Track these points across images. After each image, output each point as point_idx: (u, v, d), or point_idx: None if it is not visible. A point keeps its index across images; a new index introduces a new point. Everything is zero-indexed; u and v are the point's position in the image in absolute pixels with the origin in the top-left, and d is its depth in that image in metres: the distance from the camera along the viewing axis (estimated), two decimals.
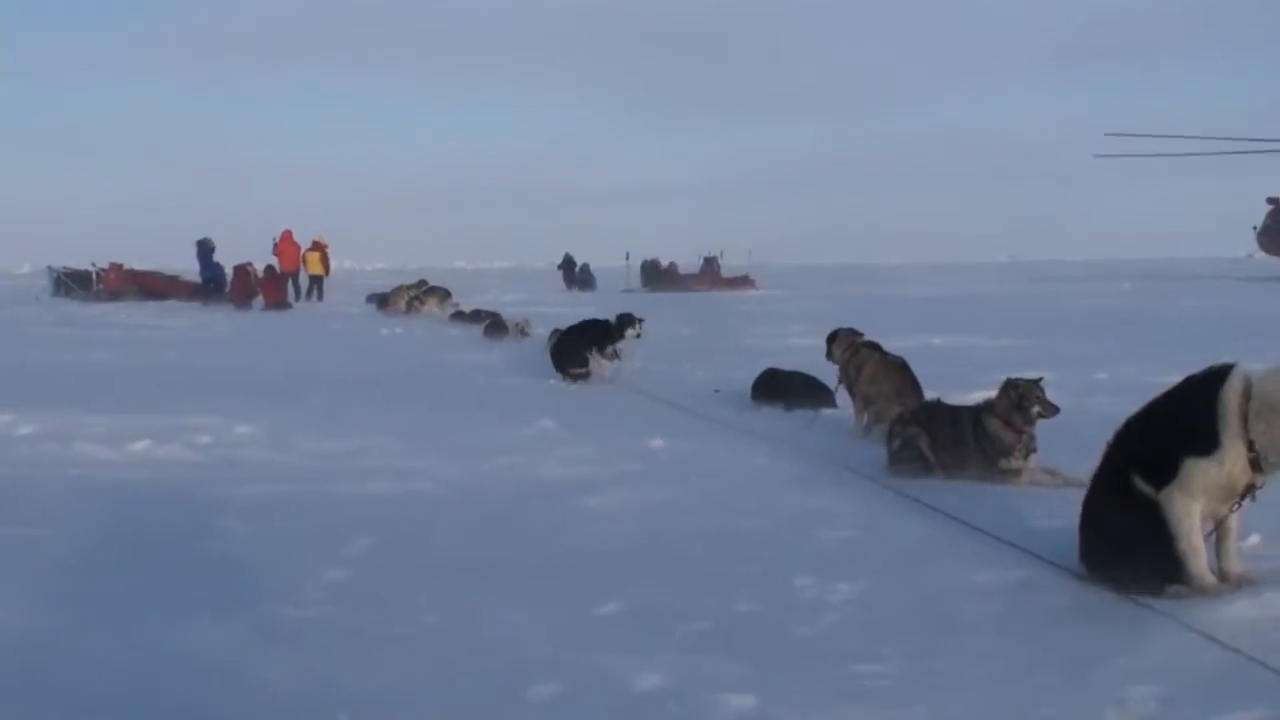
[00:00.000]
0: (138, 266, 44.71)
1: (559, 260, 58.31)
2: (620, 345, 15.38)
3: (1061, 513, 6.32)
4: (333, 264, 43.42)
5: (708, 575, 6.00)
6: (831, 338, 11.48)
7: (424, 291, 33.14)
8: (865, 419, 10.47)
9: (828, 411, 11.44)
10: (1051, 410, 8.15)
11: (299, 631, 5.24)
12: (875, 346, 11.10)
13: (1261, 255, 60.76)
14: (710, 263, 55.32)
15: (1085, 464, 6.01)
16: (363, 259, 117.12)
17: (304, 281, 41.56)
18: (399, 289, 34.34)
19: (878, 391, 10.49)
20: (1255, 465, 5.32)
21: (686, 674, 4.67)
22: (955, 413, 8.57)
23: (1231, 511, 5.50)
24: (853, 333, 11.44)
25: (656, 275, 53.79)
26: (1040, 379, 8.34)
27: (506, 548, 6.65)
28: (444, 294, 32.90)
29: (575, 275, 56.04)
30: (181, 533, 7.03)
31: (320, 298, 41.00)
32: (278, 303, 37.02)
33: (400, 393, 14.02)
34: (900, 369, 10.70)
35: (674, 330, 24.30)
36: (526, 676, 4.65)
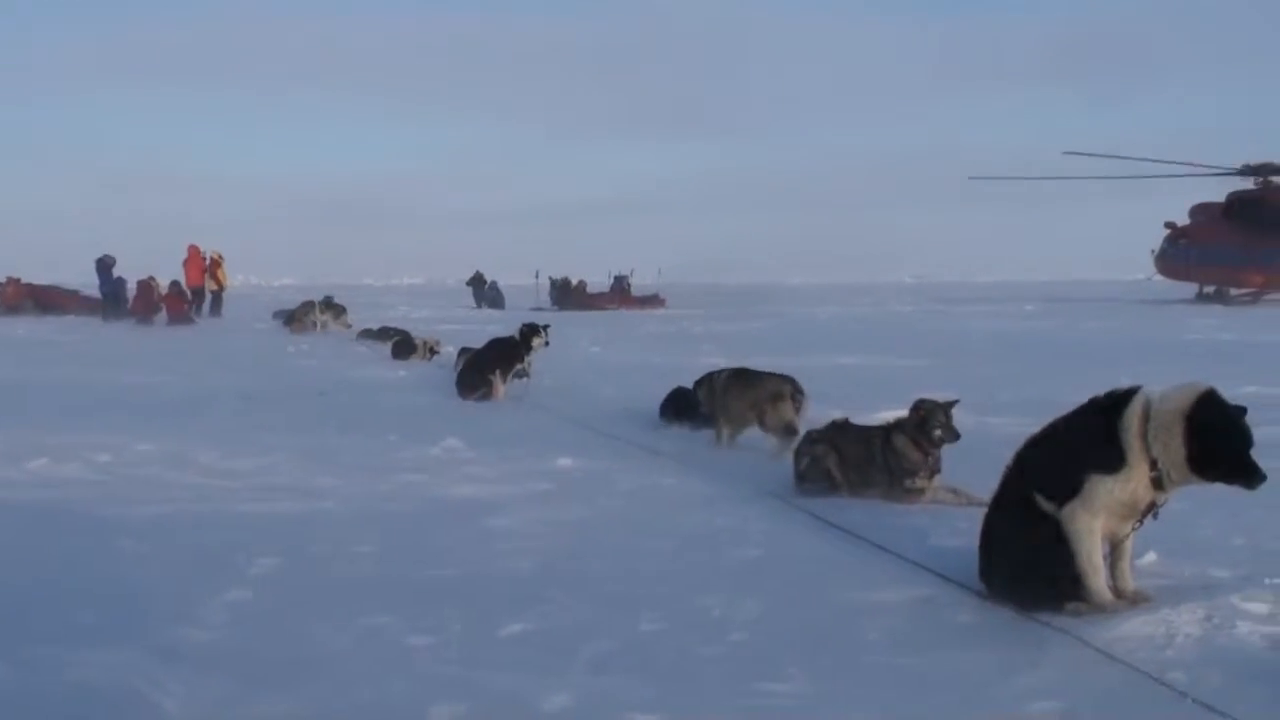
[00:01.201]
0: (35, 281, 43.75)
1: (468, 277, 58.06)
2: (530, 360, 15.37)
3: (964, 531, 6.40)
4: (232, 279, 42.87)
5: (614, 595, 5.99)
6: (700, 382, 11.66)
7: (318, 308, 32.78)
8: (725, 433, 10.97)
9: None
10: (952, 435, 8.21)
11: (198, 655, 5.14)
12: (742, 372, 11.32)
13: (1159, 278, 62.14)
14: (620, 281, 55.41)
15: (987, 483, 6.08)
16: (270, 275, 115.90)
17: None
18: (305, 305, 33.92)
19: (727, 407, 10.94)
20: (1157, 484, 5.43)
21: (592, 694, 4.65)
22: (864, 432, 8.64)
23: (1134, 530, 5.60)
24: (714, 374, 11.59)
25: (566, 293, 53.75)
26: (954, 402, 8.43)
27: (411, 568, 6.58)
28: (338, 310, 32.62)
29: (485, 292, 55.83)
30: (78, 553, 6.87)
31: (219, 313, 40.40)
32: (181, 318, 36.43)
33: (305, 411, 13.85)
34: (749, 384, 10.94)
35: (583, 348, 24.31)
36: (430, 697, 4.60)
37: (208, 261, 40.64)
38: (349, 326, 30.87)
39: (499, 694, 4.66)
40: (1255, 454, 5.34)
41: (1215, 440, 5.31)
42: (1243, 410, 5.42)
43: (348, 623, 5.54)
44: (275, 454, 10.23)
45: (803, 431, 9.37)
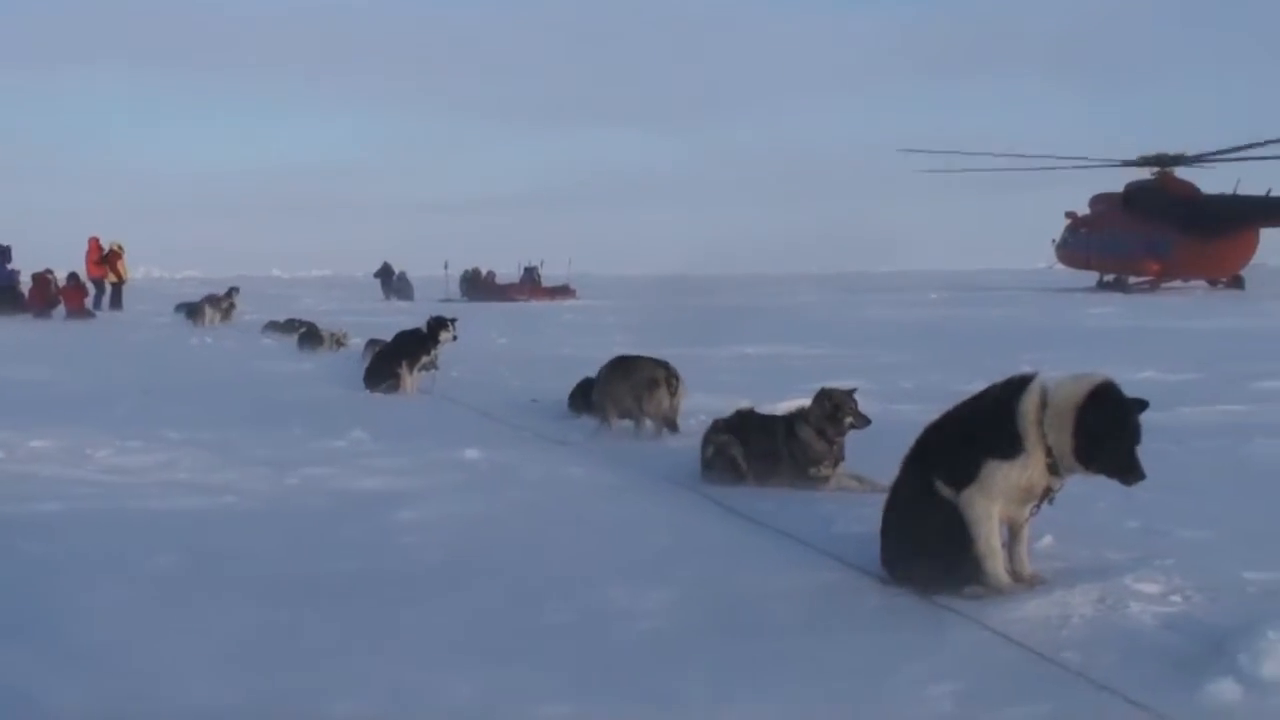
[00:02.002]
0: None
1: (376, 269, 57.57)
2: (437, 352, 15.29)
3: (867, 518, 6.47)
4: (133, 271, 42.05)
5: (521, 586, 5.98)
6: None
7: (207, 300, 32.23)
8: (612, 420, 11.16)
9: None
10: (864, 422, 8.36)
11: (93, 654, 5.05)
12: (621, 360, 11.51)
13: (1060, 267, 63.33)
14: (530, 272, 55.29)
15: (891, 470, 6.15)
16: (173, 267, 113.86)
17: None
18: (209, 298, 33.36)
19: (612, 394, 11.14)
20: (1053, 470, 5.54)
21: (498, 686, 4.65)
22: (768, 421, 8.72)
23: (1031, 515, 5.71)
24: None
25: (476, 284, 53.56)
26: (854, 389, 8.54)
27: (316, 562, 6.52)
28: (226, 305, 32.14)
29: (393, 284, 55.41)
30: None
31: (119, 306, 39.60)
32: (80, 312, 35.67)
33: (208, 405, 13.62)
34: (627, 371, 11.14)
35: (492, 340, 24.23)
36: (333, 692, 4.58)
37: (107, 253, 39.80)
38: (229, 318, 30.63)
39: (403, 687, 4.64)
40: (1142, 448, 5.48)
41: (1101, 434, 5.41)
42: (1142, 404, 5.52)
43: (248, 619, 5.48)
44: (176, 449, 10.09)
45: (698, 418, 9.48)
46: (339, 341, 21.96)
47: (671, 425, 10.82)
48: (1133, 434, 5.46)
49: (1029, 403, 5.53)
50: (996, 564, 5.57)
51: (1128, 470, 5.44)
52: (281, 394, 14.90)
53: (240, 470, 9.16)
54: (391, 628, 5.36)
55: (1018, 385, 5.63)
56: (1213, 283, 53.62)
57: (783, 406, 9.26)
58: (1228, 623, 4.87)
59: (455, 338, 15.52)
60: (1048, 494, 5.65)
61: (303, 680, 4.73)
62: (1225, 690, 4.28)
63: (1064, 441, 5.43)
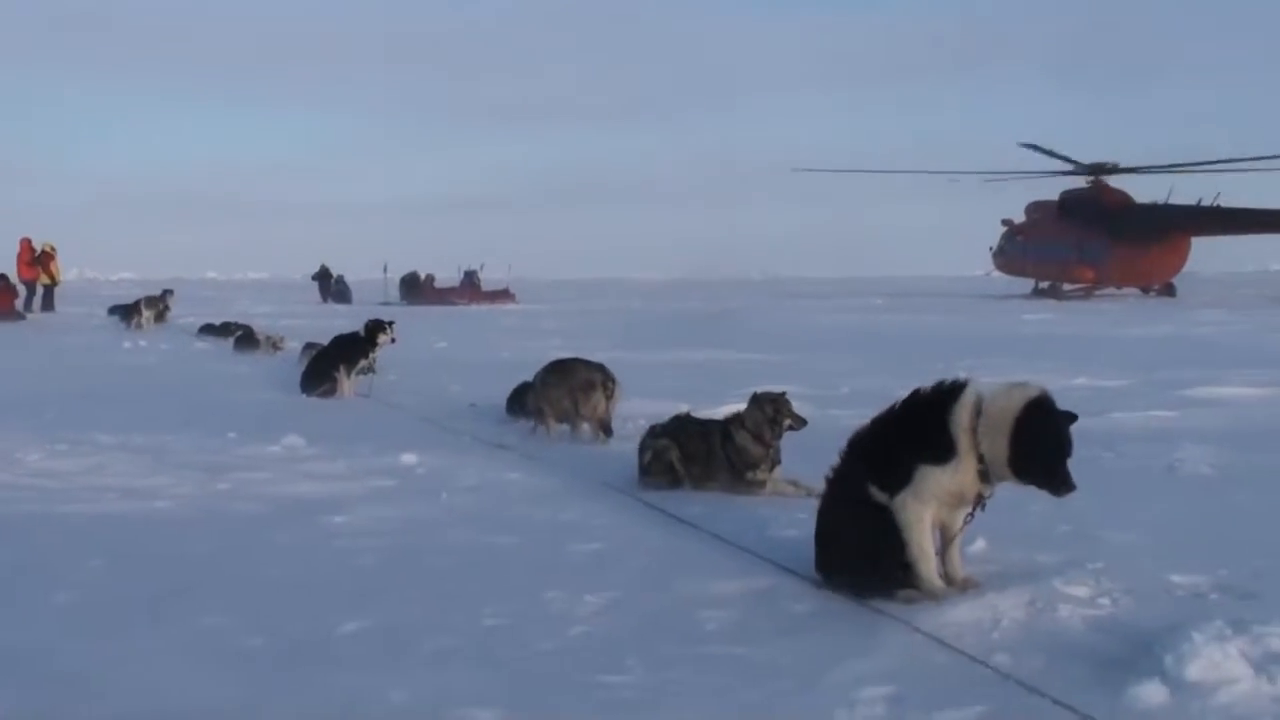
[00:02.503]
0: None
1: (314, 271, 57.12)
2: (375, 356, 15.22)
3: (802, 523, 6.51)
4: (66, 273, 41.43)
5: (456, 591, 5.96)
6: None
7: (141, 302, 31.74)
8: (550, 424, 11.24)
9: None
10: (801, 423, 8.44)
11: (22, 661, 4.98)
12: (558, 363, 11.60)
13: (997, 274, 64.04)
14: (470, 276, 55.11)
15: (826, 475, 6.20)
16: (107, 269, 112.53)
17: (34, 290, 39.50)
18: (143, 300, 32.90)
19: (548, 397, 11.21)
20: (984, 477, 5.59)
21: (431, 690, 4.62)
22: (704, 426, 8.75)
23: (968, 522, 5.77)
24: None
25: (415, 288, 53.28)
26: (784, 392, 8.59)
27: (248, 567, 6.47)
28: (160, 307, 31.69)
29: (331, 287, 55.01)
30: None
31: (51, 308, 39.01)
32: (10, 314, 35.10)
33: (140, 408, 13.45)
34: (563, 374, 11.20)
35: (431, 343, 24.12)
36: (265, 698, 4.54)
37: (39, 254, 39.19)
38: (163, 320, 30.28)
39: (336, 692, 4.60)
40: (1074, 455, 5.55)
41: (1035, 445, 5.47)
42: (1071, 417, 5.59)
43: (180, 625, 5.43)
44: (107, 453, 9.97)
45: (636, 422, 9.50)
46: (275, 345, 21.80)
47: (606, 429, 10.83)
48: (1064, 446, 5.53)
49: (963, 410, 5.58)
50: (929, 568, 5.62)
51: (1059, 482, 5.51)
52: (216, 398, 14.76)
53: (172, 475, 9.06)
54: (325, 633, 5.31)
55: (949, 391, 5.67)
56: (1145, 290, 54.46)
57: (721, 411, 9.30)
58: (1154, 625, 4.95)
59: (394, 340, 15.46)
60: (980, 501, 5.71)
61: (234, 687, 4.68)
62: (1150, 692, 4.35)
63: (998, 451, 5.49)
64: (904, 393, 5.93)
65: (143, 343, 25.43)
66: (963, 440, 5.55)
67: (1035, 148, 54.00)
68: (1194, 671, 4.38)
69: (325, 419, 12.52)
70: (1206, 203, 51.74)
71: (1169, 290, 53.73)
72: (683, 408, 10.03)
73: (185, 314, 32.14)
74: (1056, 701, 4.35)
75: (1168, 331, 28.25)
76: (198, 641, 5.23)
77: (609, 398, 10.90)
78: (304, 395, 14.76)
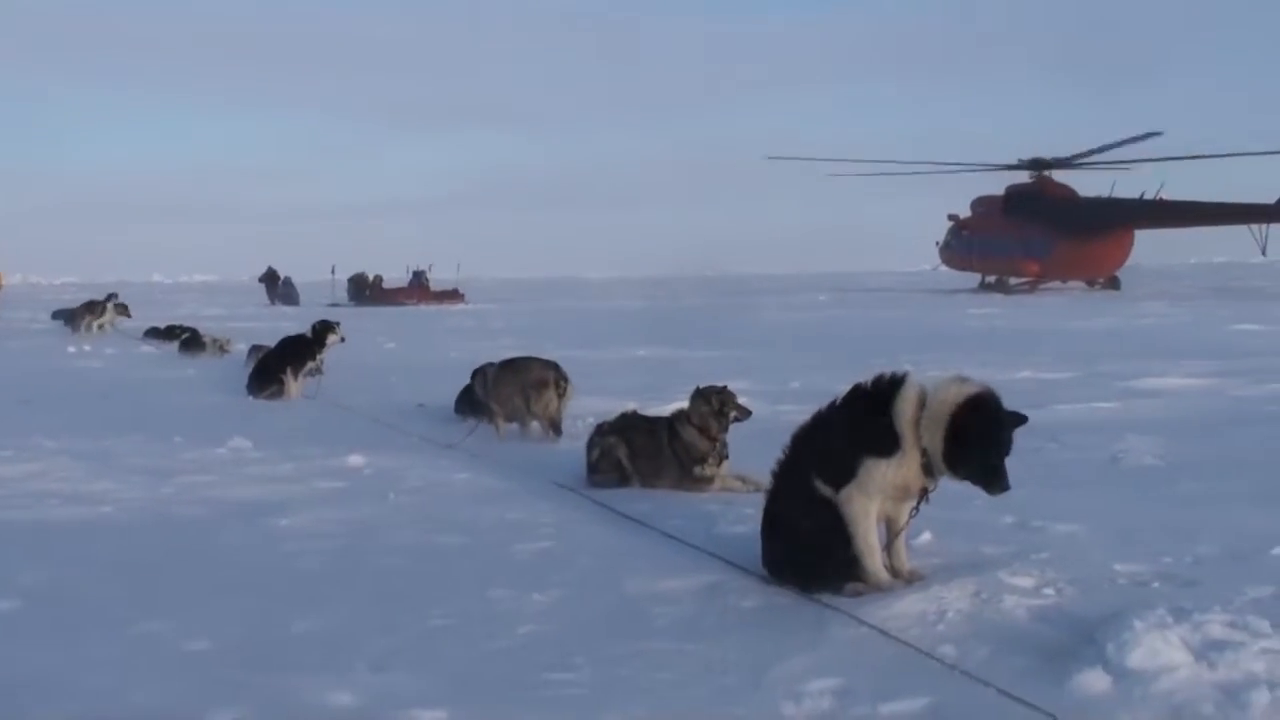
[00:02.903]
0: None
1: (261, 274, 56.68)
2: (323, 357, 15.13)
3: (750, 518, 6.52)
4: (9, 277, 40.90)
5: (403, 592, 5.93)
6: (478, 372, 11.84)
7: (85, 306, 31.29)
8: (501, 425, 11.24)
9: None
10: (745, 413, 8.50)
11: None
12: (510, 361, 11.58)
13: (944, 269, 64.50)
14: (419, 276, 54.89)
15: None
16: (50, 273, 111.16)
17: None
18: (87, 305, 32.45)
19: (499, 396, 11.21)
20: (928, 470, 5.62)
21: (377, 691, 4.60)
22: (651, 423, 8.77)
23: (912, 516, 5.80)
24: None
25: (364, 289, 52.98)
26: (725, 386, 8.62)
27: (193, 571, 6.42)
28: (99, 309, 31.25)
29: (279, 289, 54.58)
30: None
31: None
32: None
33: (84, 412, 13.32)
34: (515, 372, 11.20)
35: (379, 344, 24.01)
36: (208, 702, 4.49)
37: None
38: (108, 324, 29.90)
39: (280, 695, 4.57)
40: (1019, 445, 5.60)
41: (969, 442, 5.49)
42: (1020, 419, 5.62)
43: (123, 629, 5.37)
44: (51, 458, 9.85)
45: (585, 420, 9.51)
46: (222, 348, 21.62)
47: (556, 428, 10.81)
48: (1001, 446, 5.53)
49: (906, 403, 5.60)
50: (875, 561, 5.64)
51: (993, 480, 5.53)
52: (161, 401, 14.62)
53: (117, 479, 8.96)
54: (270, 635, 5.27)
55: (892, 384, 5.69)
56: (1090, 283, 55.05)
57: (669, 409, 9.31)
58: (1097, 614, 4.98)
59: (343, 339, 15.40)
60: (924, 494, 5.74)
61: (177, 690, 4.63)
62: (1093, 680, 4.39)
63: (936, 444, 5.52)
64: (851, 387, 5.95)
65: (87, 347, 25.08)
66: (907, 434, 5.58)
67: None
68: (1135, 659, 4.42)
69: (272, 421, 12.44)
70: (1149, 196, 52.34)
71: (1113, 283, 54.35)
72: (631, 405, 10.03)
73: (130, 317, 31.70)
74: (1001, 692, 4.38)
75: (1111, 324, 28.58)
76: (142, 646, 5.18)
77: (561, 396, 10.90)
78: (251, 397, 14.64)
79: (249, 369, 15.92)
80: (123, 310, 31.23)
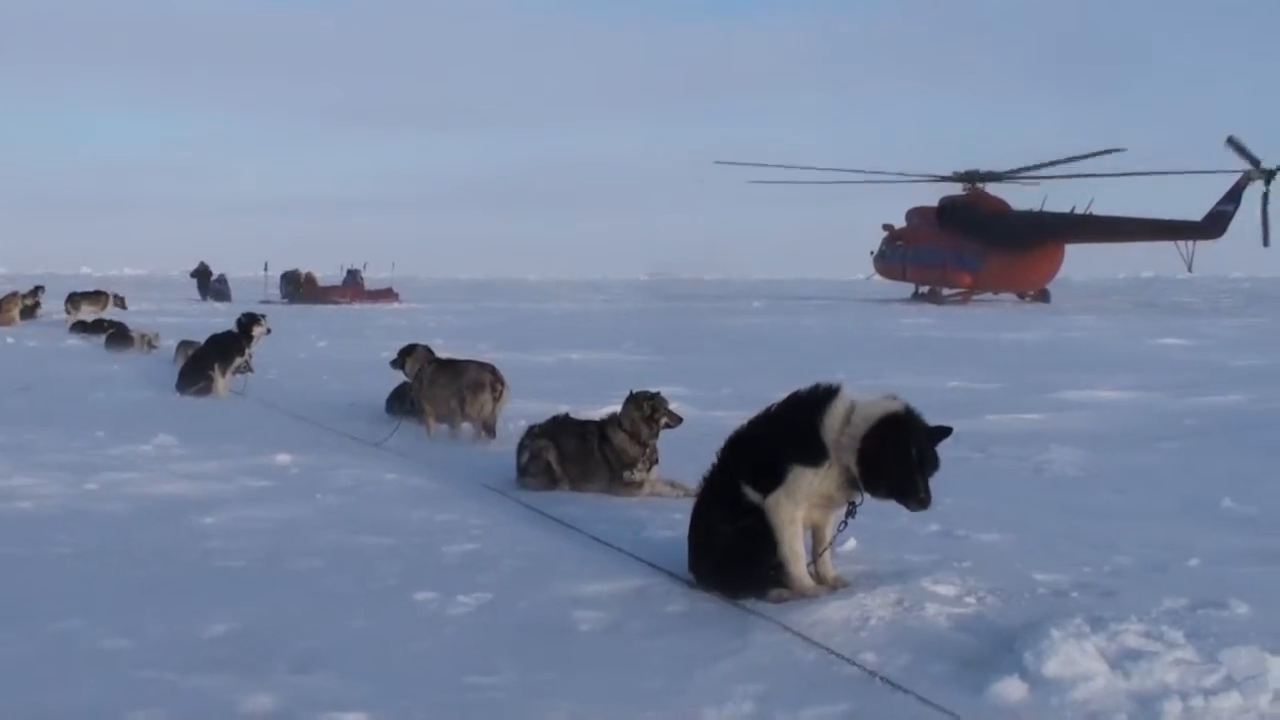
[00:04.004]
0: None
1: (193, 269, 55.97)
2: (252, 352, 15.00)
3: (678, 523, 6.53)
4: None
5: (326, 593, 5.89)
6: (406, 352, 11.72)
7: (9, 297, 30.78)
8: (431, 425, 11.16)
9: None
10: (676, 420, 8.51)
11: None
12: (447, 362, 11.49)
13: (878, 278, 64.95)
14: (353, 275, 54.42)
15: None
16: None
17: None
18: (11, 296, 31.89)
19: (433, 397, 11.13)
20: (853, 484, 5.66)
21: (296, 694, 4.56)
22: (582, 426, 8.76)
23: (842, 529, 5.85)
24: (428, 350, 11.73)
25: (297, 286, 52.47)
26: (657, 392, 8.63)
27: (112, 569, 6.32)
28: (34, 302, 30.82)
29: (210, 285, 53.93)
30: None
31: None
32: None
33: (4, 407, 13.08)
34: (452, 374, 11.13)
35: (311, 342, 23.80)
36: (123, 703, 4.43)
37: None
38: (32, 316, 29.48)
39: (197, 696, 4.52)
40: (947, 455, 5.65)
41: (880, 462, 5.50)
42: (944, 431, 5.63)
43: (38, 628, 5.29)
44: None
45: (517, 423, 9.49)
46: (150, 343, 21.32)
47: (490, 430, 10.78)
48: (914, 464, 5.50)
49: (835, 416, 5.62)
50: (800, 567, 5.68)
51: (910, 496, 5.53)
52: (86, 396, 14.41)
53: (36, 475, 8.82)
54: (190, 636, 5.21)
55: (824, 395, 5.72)
56: (1021, 295, 55.65)
57: (601, 412, 9.31)
58: (1017, 623, 5.06)
59: (269, 331, 15.25)
60: (851, 508, 5.78)
61: (91, 691, 4.57)
62: (1010, 688, 4.44)
63: (851, 464, 5.55)
64: (783, 394, 5.99)
65: (10, 339, 24.69)
66: (831, 447, 5.62)
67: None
68: (1052, 668, 4.49)
69: (199, 418, 12.30)
70: (1079, 211, 53.04)
71: (1043, 296, 54.97)
72: (562, 408, 10.01)
73: (57, 310, 31.20)
74: (920, 699, 4.43)
75: (1041, 336, 28.94)
76: (58, 645, 5.10)
77: (497, 399, 10.86)
78: (178, 394, 14.46)
79: (177, 365, 15.73)
80: (120, 302, 30.79)
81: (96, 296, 31.14)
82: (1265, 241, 48.42)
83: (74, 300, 30.54)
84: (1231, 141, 47.64)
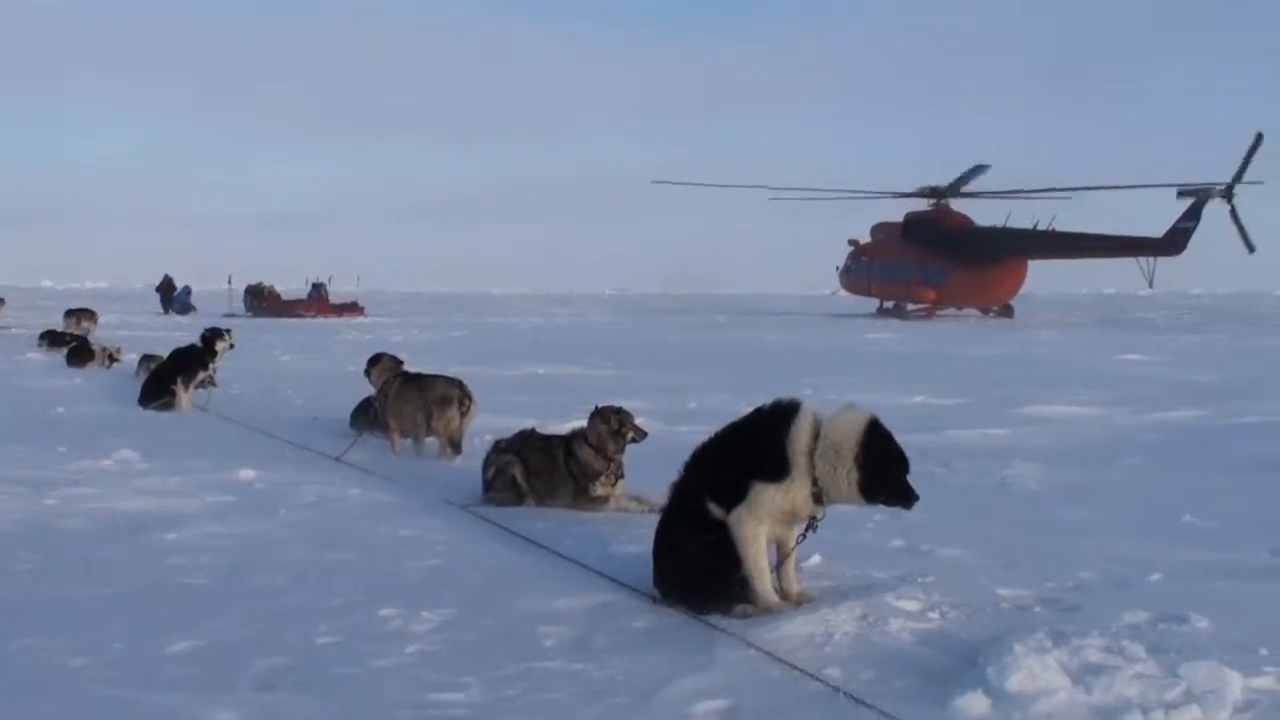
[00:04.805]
0: None
1: (157, 282, 55.65)
2: (215, 366, 14.94)
3: (643, 538, 6.53)
4: None
5: (290, 609, 5.85)
6: (372, 363, 11.75)
7: None
8: (396, 441, 11.11)
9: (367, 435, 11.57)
10: (642, 435, 8.51)
11: None
12: (414, 376, 11.44)
13: (844, 293, 65.25)
14: (318, 288, 54.24)
15: None
16: None
17: None
18: None
19: (399, 412, 11.06)
20: (817, 499, 5.69)
21: (259, 711, 4.54)
22: (548, 441, 8.75)
23: (800, 542, 5.87)
24: (393, 360, 11.75)
25: (261, 300, 52.24)
26: (622, 407, 8.64)
27: (73, 586, 6.27)
28: None
29: (174, 298, 53.63)
30: None
31: None
32: None
33: None
34: (419, 388, 11.07)
35: (275, 356, 23.69)
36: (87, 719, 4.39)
37: None
38: None
39: (160, 713, 4.49)
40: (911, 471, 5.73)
41: (883, 468, 5.63)
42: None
43: None
44: None
45: (483, 438, 9.47)
46: (111, 357, 21.14)
47: (456, 446, 10.75)
48: (906, 464, 5.70)
49: (800, 432, 5.66)
50: (764, 583, 5.69)
51: (907, 496, 5.69)
52: (46, 410, 14.27)
53: None
54: (152, 653, 5.17)
55: (787, 412, 5.76)
56: (984, 310, 56.03)
57: (567, 427, 9.30)
58: (980, 638, 5.08)
59: (232, 346, 15.21)
60: (812, 522, 5.81)
61: (51, 708, 4.54)
62: (973, 703, 4.46)
63: (841, 474, 5.59)
64: (747, 409, 6.01)
65: None
66: (799, 461, 5.64)
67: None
68: (1015, 683, 4.51)
69: (162, 433, 12.21)
70: (1043, 227, 53.49)
71: (1007, 311, 55.38)
72: (528, 423, 10.00)
73: (16, 323, 30.94)
74: (884, 714, 4.44)
75: (1004, 352, 29.11)
76: (18, 661, 5.07)
77: (465, 414, 10.81)
78: (141, 409, 14.35)
79: (139, 379, 15.62)
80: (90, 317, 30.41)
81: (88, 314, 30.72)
82: (1250, 248, 49.08)
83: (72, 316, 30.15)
84: (1183, 193, 48.75)
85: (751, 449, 5.76)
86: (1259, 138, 47.64)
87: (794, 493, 5.64)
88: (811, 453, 5.63)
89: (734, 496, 5.68)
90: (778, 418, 5.76)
